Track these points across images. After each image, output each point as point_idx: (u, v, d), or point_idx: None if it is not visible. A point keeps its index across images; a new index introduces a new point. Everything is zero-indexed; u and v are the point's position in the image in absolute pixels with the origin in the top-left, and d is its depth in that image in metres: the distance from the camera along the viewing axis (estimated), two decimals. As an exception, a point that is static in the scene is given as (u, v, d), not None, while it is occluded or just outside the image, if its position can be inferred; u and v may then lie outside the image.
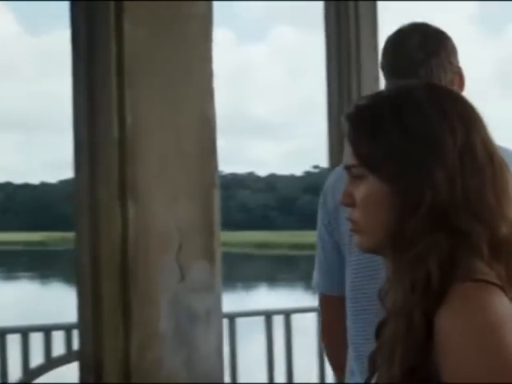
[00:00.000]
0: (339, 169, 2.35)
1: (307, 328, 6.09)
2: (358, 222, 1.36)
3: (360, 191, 1.35)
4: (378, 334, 1.38)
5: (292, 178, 74.48)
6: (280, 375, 5.63)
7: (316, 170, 67.41)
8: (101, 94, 3.20)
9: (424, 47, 2.31)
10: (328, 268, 2.46)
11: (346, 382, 2.49)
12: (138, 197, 3.13)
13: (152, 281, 3.14)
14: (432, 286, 1.25)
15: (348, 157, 1.38)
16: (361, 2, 4.66)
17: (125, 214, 3.11)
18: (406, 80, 1.52)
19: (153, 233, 3.16)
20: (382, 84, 2.49)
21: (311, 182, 58.46)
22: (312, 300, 4.01)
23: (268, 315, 5.65)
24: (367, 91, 4.47)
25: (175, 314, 3.18)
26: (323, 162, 4.91)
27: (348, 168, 1.38)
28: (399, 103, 1.33)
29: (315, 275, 2.54)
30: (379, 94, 1.45)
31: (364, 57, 4.66)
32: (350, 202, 1.37)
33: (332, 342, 2.55)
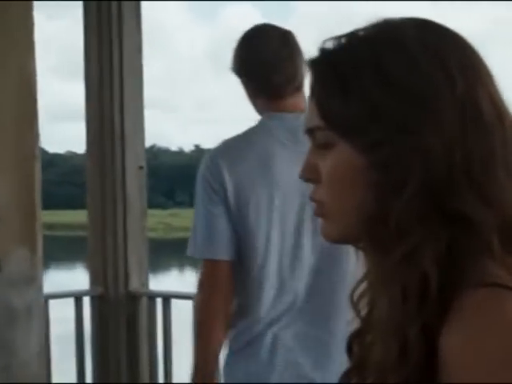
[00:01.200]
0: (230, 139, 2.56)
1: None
2: (323, 204, 1.04)
3: (326, 163, 1.02)
4: (350, 348, 1.08)
5: None
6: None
7: None
8: None
9: (286, 45, 2.52)
10: (218, 234, 2.51)
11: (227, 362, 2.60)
12: None
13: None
14: (430, 295, 0.94)
15: (311, 117, 1.05)
16: (124, 2, 4.58)
17: None
18: (392, 17, 1.09)
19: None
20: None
21: None
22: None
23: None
24: (130, 92, 4.57)
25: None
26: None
27: (311, 132, 1.05)
28: (380, 46, 1.00)
29: (198, 241, 2.56)
30: (353, 33, 1.05)
31: (127, 58, 4.56)
32: (312, 176, 1.05)
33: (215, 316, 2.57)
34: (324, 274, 2.51)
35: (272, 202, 2.50)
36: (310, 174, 1.05)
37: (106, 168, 4.60)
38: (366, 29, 1.03)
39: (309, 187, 1.06)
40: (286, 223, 2.50)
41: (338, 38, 1.03)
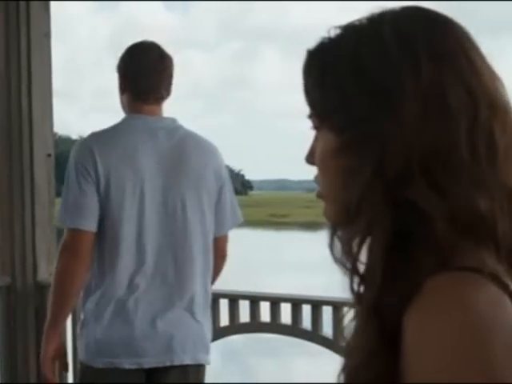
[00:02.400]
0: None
1: None
2: (320, 186, 1.13)
3: (318, 147, 1.11)
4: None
5: None
6: None
7: None
8: None
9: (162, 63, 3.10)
10: (86, 208, 2.93)
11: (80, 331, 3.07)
12: None
13: None
14: (377, 280, 0.98)
15: None
16: (32, 2, 4.47)
17: None
18: (389, 7, 1.14)
19: None
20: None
21: None
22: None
23: None
24: (38, 79, 4.51)
25: None
26: None
27: (309, 118, 1.14)
28: (362, 37, 1.05)
29: (69, 212, 2.96)
30: (348, 24, 1.10)
31: (35, 44, 4.46)
32: (311, 160, 1.14)
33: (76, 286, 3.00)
34: (172, 248, 2.97)
35: (135, 185, 2.94)
36: (309, 158, 1.14)
37: (14, 155, 4.49)
38: (360, 19, 1.08)
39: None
40: (145, 203, 2.94)
41: (336, 28, 1.09)
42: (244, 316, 4.11)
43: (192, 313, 2.99)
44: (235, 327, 4.13)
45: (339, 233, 1.07)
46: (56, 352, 3.07)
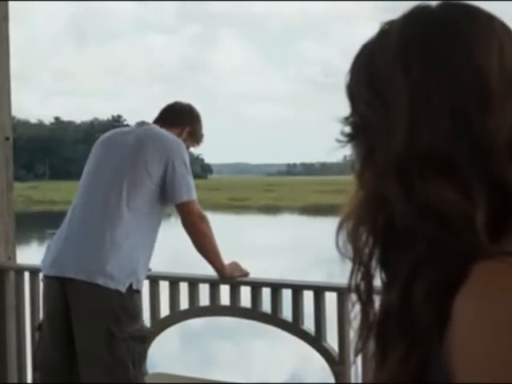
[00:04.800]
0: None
1: None
2: None
3: None
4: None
5: None
6: None
7: None
8: None
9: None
10: None
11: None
12: None
13: None
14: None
15: None
16: None
17: None
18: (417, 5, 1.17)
19: None
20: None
21: None
22: None
23: None
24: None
25: None
26: None
27: None
28: (372, 49, 1.08)
29: None
30: (384, 23, 1.12)
31: None
32: None
33: None
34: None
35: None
36: None
37: (-29, 139, 4.45)
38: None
39: None
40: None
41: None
42: (204, 299, 4.13)
43: None
44: (195, 311, 4.15)
45: (351, 221, 1.06)
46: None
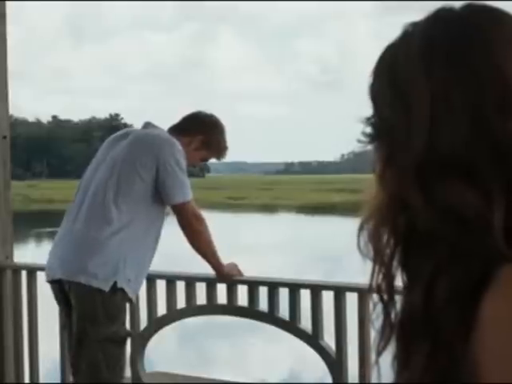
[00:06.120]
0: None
1: None
2: None
3: None
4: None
5: None
6: None
7: None
8: None
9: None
10: None
11: None
12: None
13: None
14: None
15: None
16: None
17: None
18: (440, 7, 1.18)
19: None
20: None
21: None
22: None
23: None
24: None
25: None
26: None
27: None
28: (395, 50, 1.09)
29: None
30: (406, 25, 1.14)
31: None
32: None
33: None
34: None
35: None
36: None
37: (-32, 137, 4.44)
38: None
39: None
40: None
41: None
42: (201, 298, 4.14)
43: None
44: (192, 309, 4.15)
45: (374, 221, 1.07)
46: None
